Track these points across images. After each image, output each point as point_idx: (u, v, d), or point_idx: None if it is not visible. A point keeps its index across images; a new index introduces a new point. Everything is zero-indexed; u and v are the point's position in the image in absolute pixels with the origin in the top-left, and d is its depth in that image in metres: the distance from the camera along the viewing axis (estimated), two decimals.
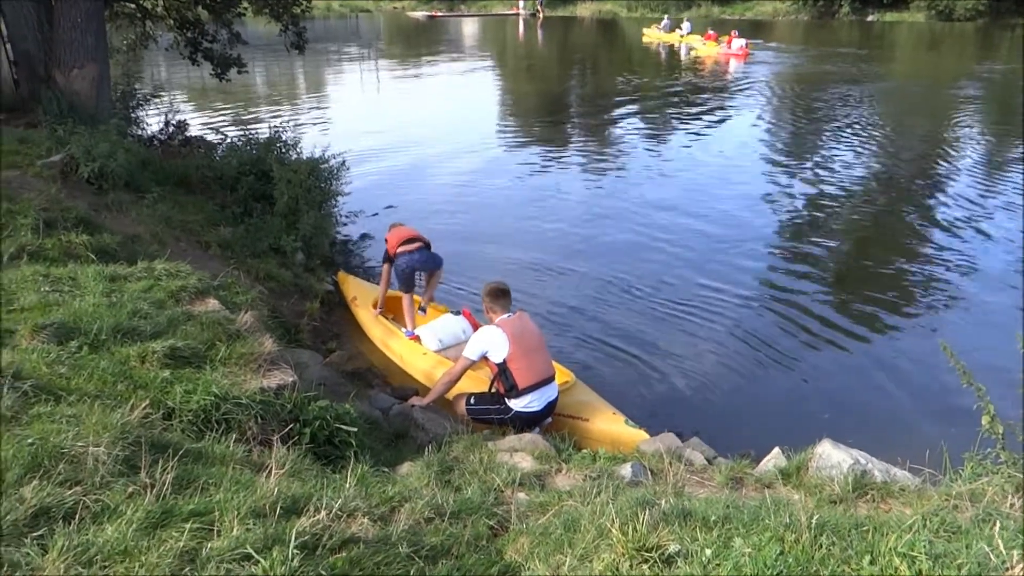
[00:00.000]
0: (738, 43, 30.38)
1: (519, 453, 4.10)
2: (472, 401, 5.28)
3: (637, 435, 4.83)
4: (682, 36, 36.29)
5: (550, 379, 5.20)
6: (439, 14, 56.30)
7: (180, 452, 2.81)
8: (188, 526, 2.24)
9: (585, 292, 8.26)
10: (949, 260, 9.17)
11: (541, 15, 51.35)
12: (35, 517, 2.18)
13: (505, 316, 5.20)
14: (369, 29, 50.89)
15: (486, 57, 35.65)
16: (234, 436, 3.31)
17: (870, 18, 45.19)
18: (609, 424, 5.04)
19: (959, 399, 6.07)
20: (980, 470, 3.75)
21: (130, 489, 2.43)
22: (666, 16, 41.23)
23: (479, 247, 9.58)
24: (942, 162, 14.30)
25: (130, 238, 6.04)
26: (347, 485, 2.86)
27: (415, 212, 10.92)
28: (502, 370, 5.06)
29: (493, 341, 5.07)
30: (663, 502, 2.86)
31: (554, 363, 5.55)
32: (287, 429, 3.62)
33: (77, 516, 2.22)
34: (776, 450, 4.43)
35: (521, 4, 53.79)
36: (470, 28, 50.40)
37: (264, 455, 3.25)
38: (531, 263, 9.03)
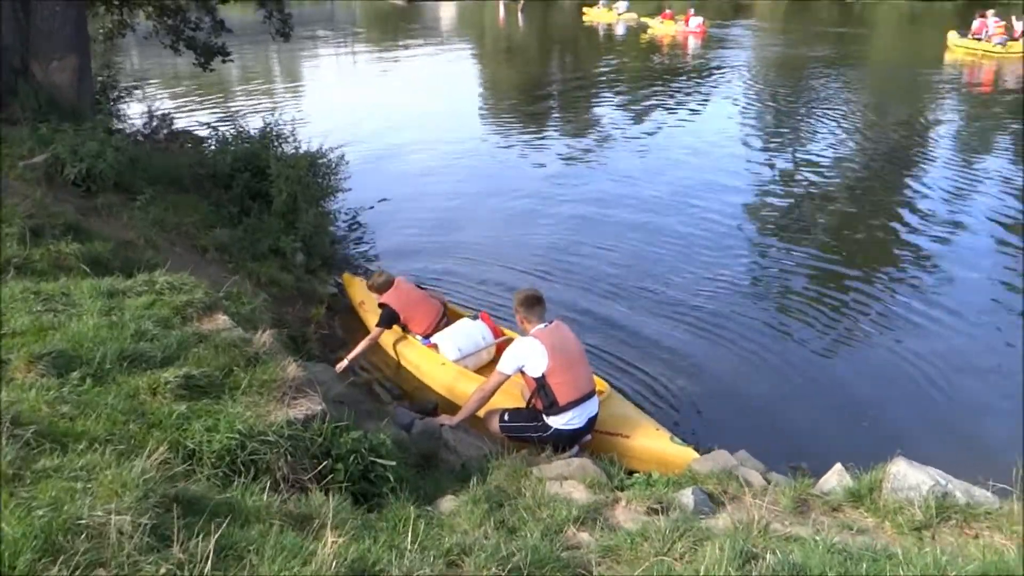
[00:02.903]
0: (695, 21, 30.61)
1: (569, 481, 3.75)
2: (507, 418, 4.92)
3: (685, 453, 4.49)
4: (619, 15, 37.09)
5: (591, 393, 4.84)
6: None
7: (211, 510, 2.45)
8: None
9: (580, 286, 7.90)
10: (952, 253, 8.87)
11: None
12: None
13: (541, 326, 4.81)
14: (345, 14, 50.00)
15: (467, 43, 35.16)
16: (265, 482, 2.93)
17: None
18: (653, 441, 4.69)
19: (993, 401, 5.86)
20: None
21: (163, 570, 2.06)
22: None
23: (474, 239, 9.33)
24: (924, 148, 14.12)
25: (123, 244, 5.62)
26: (407, 545, 2.49)
27: (407, 205, 10.61)
28: (540, 385, 4.69)
29: (530, 354, 4.69)
30: (768, 556, 2.51)
31: None
32: (319, 467, 3.25)
33: None
34: (838, 466, 4.10)
35: None
36: (450, 12, 49.66)
37: (301, 503, 2.88)
38: (524, 255, 8.72)
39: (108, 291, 4.32)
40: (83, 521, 2.15)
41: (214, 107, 17.83)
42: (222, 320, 4.29)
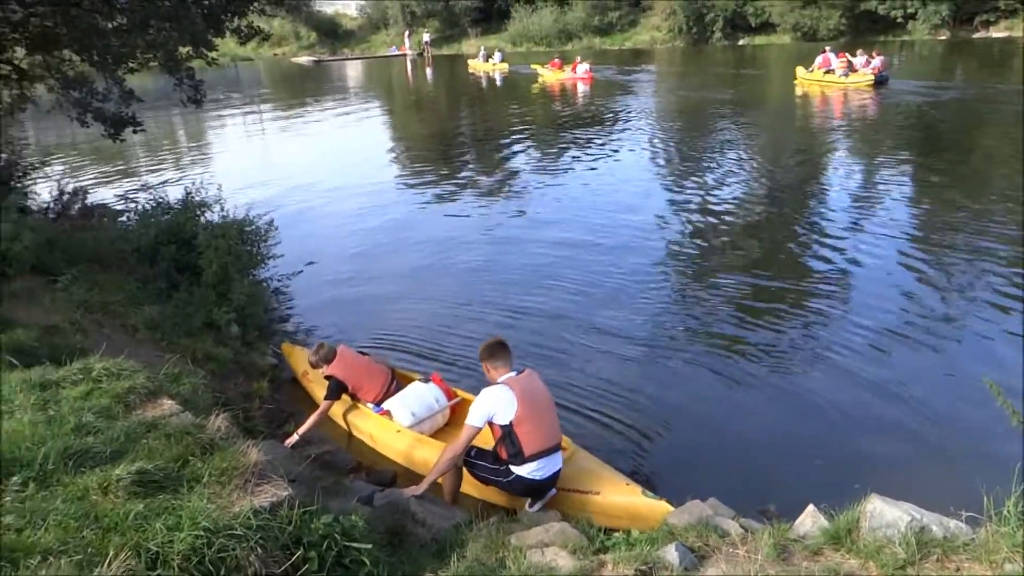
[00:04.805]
0: (582, 68, 32.42)
1: (550, 548, 3.62)
2: (473, 454, 4.82)
3: (659, 507, 4.41)
4: (494, 65, 39.81)
5: (557, 447, 4.76)
6: (325, 58, 55.44)
7: None
8: None
9: (526, 338, 7.73)
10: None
11: (428, 54, 51.28)
12: None
13: (512, 374, 4.72)
14: (250, 77, 49.52)
15: (377, 99, 35.25)
16: None
17: (741, 42, 47.10)
18: (625, 497, 4.60)
19: (939, 429, 5.99)
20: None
21: None
22: (482, 48, 44.52)
23: (409, 296, 9.21)
24: (817, 178, 14.83)
25: (48, 330, 5.29)
26: None
27: (336, 265, 10.44)
28: (507, 433, 4.58)
29: (500, 401, 4.57)
30: None
31: None
32: (292, 559, 3.05)
33: None
34: (811, 508, 4.07)
35: (407, 44, 53.56)
36: (356, 71, 49.75)
37: None
38: (465, 310, 8.63)
39: (40, 383, 4.05)
40: None
41: (124, 177, 17.29)
42: (168, 405, 4.05)
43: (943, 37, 41.12)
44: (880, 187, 13.50)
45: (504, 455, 4.69)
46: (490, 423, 4.66)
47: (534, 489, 4.77)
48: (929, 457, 5.57)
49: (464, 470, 4.93)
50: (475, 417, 4.63)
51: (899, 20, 42.35)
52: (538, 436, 4.62)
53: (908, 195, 12.99)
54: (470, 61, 42.60)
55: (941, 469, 5.33)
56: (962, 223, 10.84)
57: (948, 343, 7.32)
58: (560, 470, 4.78)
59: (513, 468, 4.68)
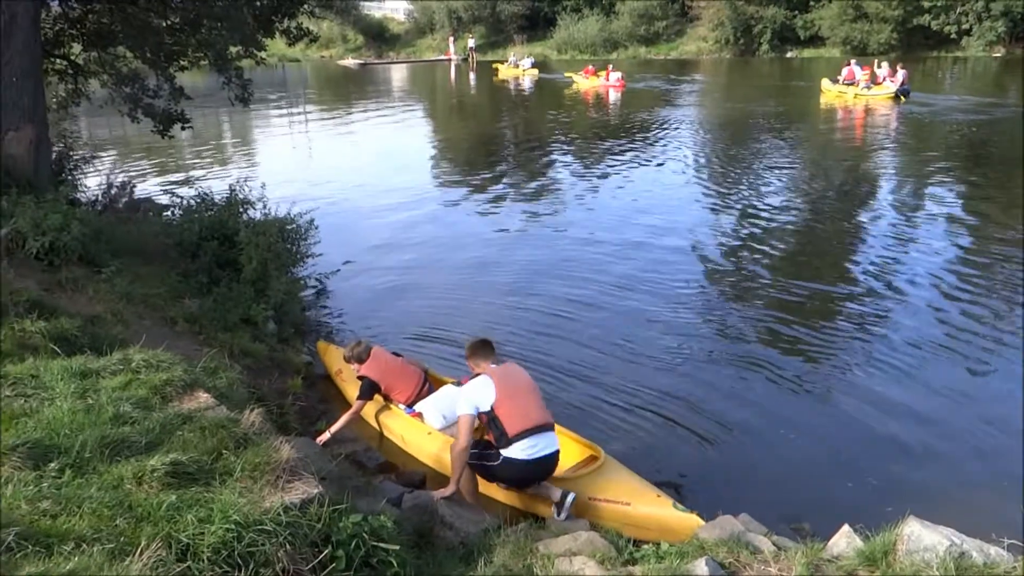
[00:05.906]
0: (615, 75, 33.04)
1: (579, 557, 3.59)
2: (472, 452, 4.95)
3: (689, 520, 4.36)
4: (524, 71, 41.10)
5: (547, 427, 4.86)
6: (371, 61, 55.97)
7: None
8: None
9: (560, 345, 7.73)
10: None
11: (473, 60, 51.49)
12: None
13: (493, 366, 4.97)
14: (296, 78, 50.12)
15: (420, 102, 35.54)
16: None
17: (789, 55, 46.58)
18: (655, 508, 4.55)
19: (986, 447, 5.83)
20: None
21: None
22: (512, 54, 45.72)
23: (444, 299, 9.21)
24: (856, 193, 14.62)
25: (90, 320, 5.38)
26: None
27: (372, 266, 10.50)
28: (491, 419, 4.76)
29: (479, 388, 4.81)
30: None
31: (580, 438, 5.30)
32: (320, 557, 3.06)
33: None
34: (846, 528, 3.99)
35: (452, 50, 53.84)
36: (401, 74, 50.14)
37: None
38: (498, 315, 8.59)
39: (80, 371, 4.11)
40: None
41: (170, 172, 17.59)
42: (204, 398, 4.10)
43: (998, 54, 40.26)
44: (925, 203, 13.31)
45: (493, 440, 4.84)
46: (480, 417, 4.83)
47: (530, 472, 4.82)
48: (971, 482, 5.42)
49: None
50: (463, 407, 4.83)
51: (952, 36, 41.56)
52: (519, 415, 4.75)
53: (954, 213, 12.70)
54: (497, 67, 43.27)
55: (983, 495, 5.19)
56: (1008, 243, 10.61)
57: (993, 367, 7.14)
58: (558, 452, 4.89)
59: (502, 451, 4.79)
